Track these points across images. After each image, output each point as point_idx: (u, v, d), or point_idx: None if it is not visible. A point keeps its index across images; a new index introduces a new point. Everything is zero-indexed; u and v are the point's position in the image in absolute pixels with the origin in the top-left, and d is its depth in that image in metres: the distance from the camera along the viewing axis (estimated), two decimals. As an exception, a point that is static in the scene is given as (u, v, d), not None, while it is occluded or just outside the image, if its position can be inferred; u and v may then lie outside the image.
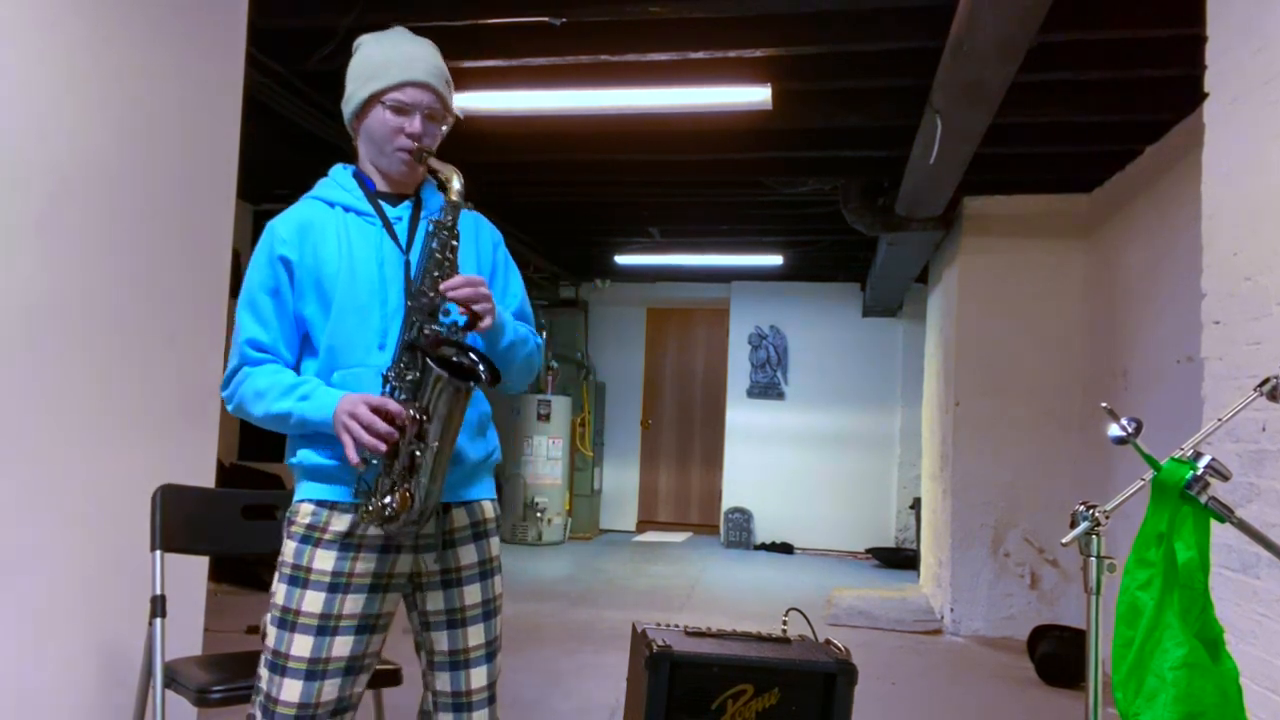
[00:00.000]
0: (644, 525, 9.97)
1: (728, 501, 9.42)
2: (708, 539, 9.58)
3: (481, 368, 1.74)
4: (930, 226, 5.76)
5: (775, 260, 8.22)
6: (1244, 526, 1.73)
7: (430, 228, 1.83)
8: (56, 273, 2.44)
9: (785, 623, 2.83)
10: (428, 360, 1.70)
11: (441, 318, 1.78)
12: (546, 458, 8.83)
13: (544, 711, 3.99)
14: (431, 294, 1.77)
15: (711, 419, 9.91)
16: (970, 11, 2.95)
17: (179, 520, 2.43)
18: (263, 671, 1.79)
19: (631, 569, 7.75)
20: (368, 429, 1.68)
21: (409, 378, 1.74)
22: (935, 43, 3.52)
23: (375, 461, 1.73)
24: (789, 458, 9.35)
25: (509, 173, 5.92)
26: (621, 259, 8.44)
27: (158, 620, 2.28)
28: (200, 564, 2.96)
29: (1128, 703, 1.71)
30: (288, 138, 5.10)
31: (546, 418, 8.85)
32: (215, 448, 3.06)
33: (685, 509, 10.03)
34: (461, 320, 1.78)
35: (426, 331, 1.76)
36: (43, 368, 2.41)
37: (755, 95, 4.11)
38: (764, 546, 9.16)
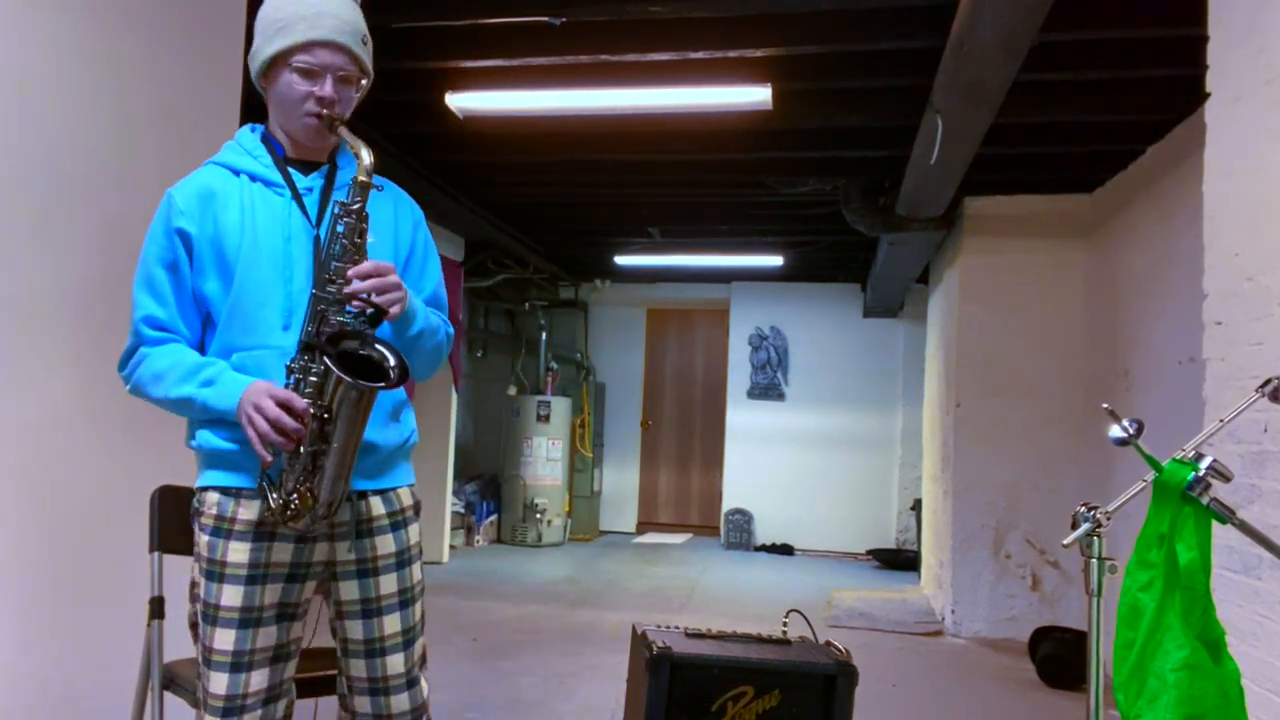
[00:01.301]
0: (644, 526, 9.96)
1: (728, 503, 9.41)
2: (708, 540, 9.57)
3: (391, 361, 1.68)
4: (931, 227, 5.75)
5: (776, 261, 8.21)
6: (1246, 528, 1.73)
7: (337, 209, 1.74)
8: (55, 272, 2.44)
9: (785, 624, 2.82)
10: (327, 363, 1.63)
11: (348, 308, 1.70)
12: (546, 459, 8.82)
13: (544, 713, 3.99)
14: (339, 282, 1.69)
15: (712, 420, 9.90)
16: (971, 11, 2.95)
17: (178, 521, 2.41)
18: (198, 660, 1.78)
19: (631, 570, 7.74)
20: (274, 425, 1.62)
21: (313, 370, 1.67)
22: (936, 42, 3.51)
23: (279, 455, 1.69)
24: (789, 459, 9.34)
25: (509, 173, 5.91)
26: (621, 259, 8.43)
27: (156, 622, 2.27)
28: (199, 565, 2.94)
29: (1129, 704, 1.71)
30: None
31: (546, 419, 8.85)
32: (214, 448, 3.04)
33: (685, 510, 10.03)
34: (368, 312, 1.70)
35: (330, 324, 1.69)
36: (41, 368, 2.41)
37: (755, 95, 4.10)
38: (764, 548, 9.14)
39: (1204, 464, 1.68)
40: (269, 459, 1.65)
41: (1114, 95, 4.21)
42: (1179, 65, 3.73)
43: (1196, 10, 2.84)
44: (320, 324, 1.69)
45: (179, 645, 2.61)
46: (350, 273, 1.67)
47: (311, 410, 1.64)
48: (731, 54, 3.87)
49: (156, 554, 2.35)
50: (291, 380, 1.68)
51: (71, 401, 2.50)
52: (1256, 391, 1.77)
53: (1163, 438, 2.16)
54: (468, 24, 3.77)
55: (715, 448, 9.79)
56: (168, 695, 2.27)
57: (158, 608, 2.28)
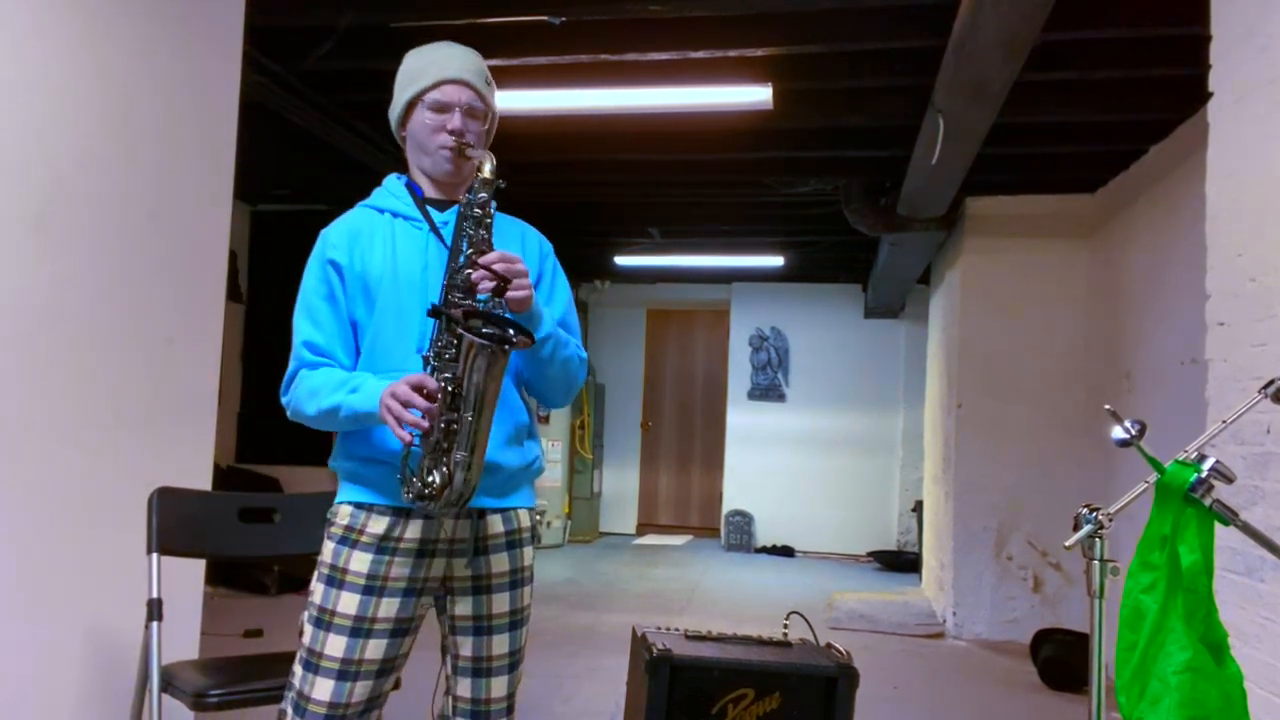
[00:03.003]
0: (644, 528, 9.95)
1: (728, 504, 9.39)
2: (708, 542, 9.56)
3: (513, 332, 1.70)
4: (932, 227, 5.74)
5: (776, 261, 8.20)
6: (1248, 529, 1.72)
7: (462, 208, 1.83)
8: (52, 273, 2.43)
9: (786, 626, 2.81)
10: (453, 324, 1.68)
11: (478, 296, 1.77)
12: (545, 460, 8.79)
13: (544, 715, 3.98)
14: (467, 270, 1.76)
15: (712, 421, 9.89)
16: (973, 10, 2.94)
17: (176, 523, 2.42)
18: (297, 669, 1.82)
19: (631, 572, 7.73)
20: (406, 404, 1.67)
21: (447, 356, 1.72)
22: (937, 42, 3.50)
23: (418, 443, 1.72)
24: (790, 460, 9.32)
25: (508, 173, 5.87)
26: (621, 260, 8.43)
27: (154, 624, 2.27)
28: (197, 567, 2.94)
29: (1131, 707, 1.70)
30: (285, 138, 5.08)
31: (545, 419, 8.83)
32: (212, 450, 3.04)
33: (685, 512, 10.02)
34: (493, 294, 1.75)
35: (458, 304, 1.75)
36: (39, 369, 2.40)
37: (756, 95, 4.09)
38: (765, 549, 9.13)
39: (1206, 465, 1.67)
40: (407, 438, 1.69)
41: (1116, 95, 4.20)
42: (1181, 65, 3.72)
43: (1199, 9, 2.83)
44: (443, 304, 1.76)
45: (177, 647, 2.61)
46: (481, 260, 1.74)
47: (444, 385, 1.69)
48: (732, 53, 3.87)
49: (154, 555, 2.34)
50: (428, 370, 1.74)
51: (70, 403, 2.49)
52: (1259, 393, 1.75)
53: (1165, 439, 2.14)
54: (466, 23, 3.76)
55: (715, 449, 9.78)
56: (165, 698, 2.26)
57: (156, 609, 2.27)
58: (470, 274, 1.75)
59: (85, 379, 2.54)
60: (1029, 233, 5.90)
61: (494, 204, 1.85)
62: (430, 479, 1.70)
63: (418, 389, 1.68)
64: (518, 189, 6.36)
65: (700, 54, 3.84)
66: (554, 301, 2.03)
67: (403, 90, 1.94)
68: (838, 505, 9.19)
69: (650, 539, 9.60)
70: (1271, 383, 1.75)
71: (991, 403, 5.91)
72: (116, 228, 2.63)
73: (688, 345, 10.13)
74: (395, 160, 5.02)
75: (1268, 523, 2.25)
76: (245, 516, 2.58)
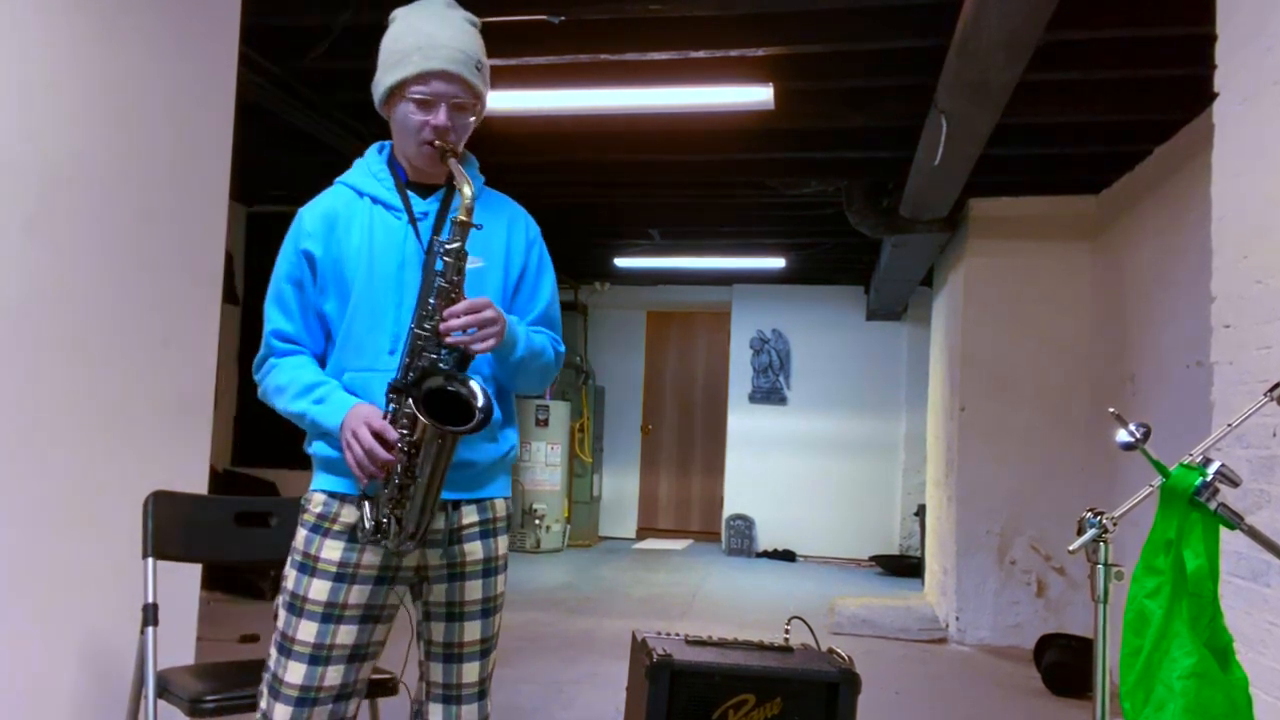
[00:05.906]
0: (644, 532, 9.93)
1: (729, 508, 9.37)
2: (709, 546, 9.54)
3: (479, 401, 1.74)
4: (935, 229, 5.72)
5: (777, 263, 8.19)
6: (1254, 534, 1.70)
7: (437, 249, 1.79)
8: (47, 274, 2.41)
9: (788, 631, 2.80)
10: (412, 405, 1.71)
11: (441, 349, 1.77)
12: (545, 464, 8.78)
13: (543, 720, 3.96)
14: (435, 319, 1.75)
15: (713, 424, 9.87)
16: (976, 10, 2.92)
17: (171, 527, 2.40)
18: (272, 650, 1.84)
19: (631, 577, 7.71)
20: (368, 454, 1.72)
21: (407, 407, 1.74)
22: (940, 42, 3.48)
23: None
24: (791, 464, 9.30)
25: (507, 173, 5.86)
26: (621, 261, 8.41)
27: (150, 629, 2.26)
28: (193, 571, 2.93)
29: (1136, 712, 1.68)
30: (282, 138, 5.07)
31: (545, 423, 8.81)
32: (208, 453, 3.02)
33: (686, 516, 9.99)
34: (456, 352, 1.79)
35: (424, 360, 1.75)
36: (33, 371, 2.38)
37: (757, 95, 4.08)
38: (766, 554, 9.11)
39: (1212, 469, 1.65)
40: (364, 482, 1.76)
41: (1120, 95, 4.18)
42: (1186, 65, 3.70)
43: (1203, 9, 2.81)
44: (416, 358, 1.76)
45: (173, 652, 2.59)
46: (446, 313, 1.74)
47: (400, 445, 1.72)
48: (733, 53, 3.85)
49: (150, 560, 2.32)
50: (391, 409, 1.76)
51: (65, 406, 2.48)
52: (1265, 396, 1.74)
53: (1170, 442, 2.12)
54: (466, 23, 3.74)
55: (716, 452, 9.76)
56: (161, 703, 2.24)
57: (152, 614, 2.26)
58: (439, 325, 1.74)
59: (80, 382, 2.53)
60: (1032, 234, 5.88)
61: (467, 250, 1.78)
62: (384, 522, 1.76)
63: (379, 437, 1.71)
64: (515, 189, 6.34)
65: (700, 54, 3.83)
66: (536, 296, 2.01)
67: (386, 72, 1.85)
68: (839, 509, 9.16)
69: (650, 543, 9.58)
70: (1277, 385, 1.73)
71: (994, 406, 5.89)
72: (111, 229, 2.62)
73: (688, 348, 10.11)
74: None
75: (1274, 527, 2.23)
76: (241, 520, 2.57)
